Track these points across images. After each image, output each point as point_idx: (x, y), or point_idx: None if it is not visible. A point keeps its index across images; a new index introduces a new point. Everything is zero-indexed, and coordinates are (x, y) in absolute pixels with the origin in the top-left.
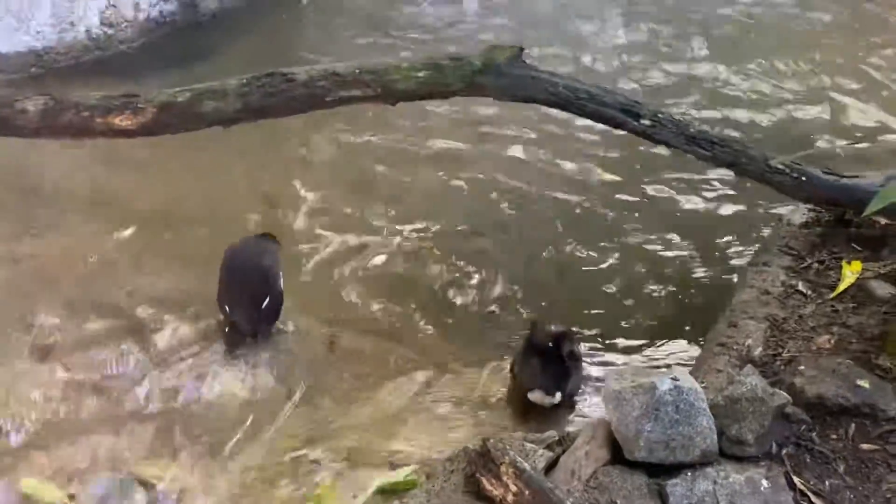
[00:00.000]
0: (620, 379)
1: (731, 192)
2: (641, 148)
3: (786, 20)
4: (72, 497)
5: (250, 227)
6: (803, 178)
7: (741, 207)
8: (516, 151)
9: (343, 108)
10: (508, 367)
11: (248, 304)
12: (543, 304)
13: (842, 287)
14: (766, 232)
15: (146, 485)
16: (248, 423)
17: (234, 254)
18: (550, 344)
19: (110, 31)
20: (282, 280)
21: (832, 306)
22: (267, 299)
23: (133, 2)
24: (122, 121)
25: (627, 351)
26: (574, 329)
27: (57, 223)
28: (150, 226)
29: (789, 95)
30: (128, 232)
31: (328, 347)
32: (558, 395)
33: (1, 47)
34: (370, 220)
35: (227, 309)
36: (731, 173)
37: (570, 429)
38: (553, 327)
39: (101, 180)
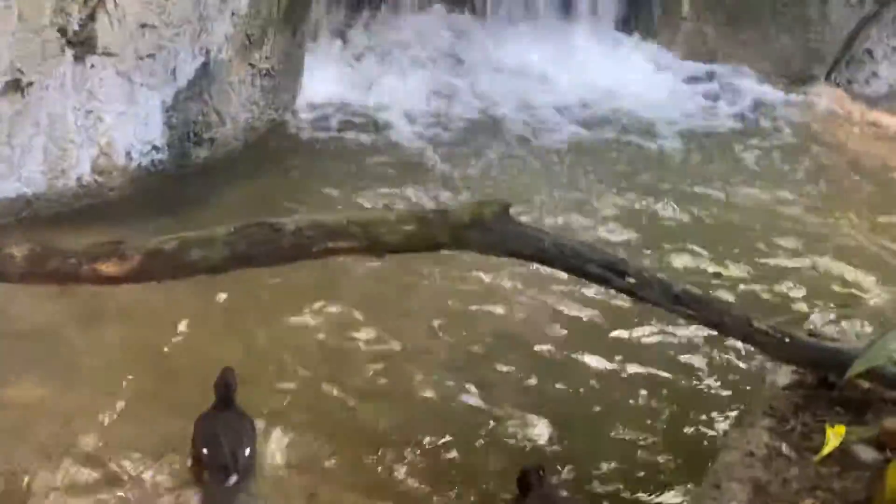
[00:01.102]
0: None
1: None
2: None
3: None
4: None
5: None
6: (787, 340)
7: (725, 365)
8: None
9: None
10: None
11: (228, 448)
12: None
13: (826, 451)
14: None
15: None
16: None
17: (207, 417)
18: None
19: (101, 179)
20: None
21: (816, 470)
22: (248, 450)
23: (125, 150)
24: (108, 268)
25: None
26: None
27: (36, 370)
28: (134, 372)
29: (773, 259)
30: (108, 379)
31: (308, 501)
32: None
33: None
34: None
35: (205, 451)
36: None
37: None
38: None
39: (84, 326)
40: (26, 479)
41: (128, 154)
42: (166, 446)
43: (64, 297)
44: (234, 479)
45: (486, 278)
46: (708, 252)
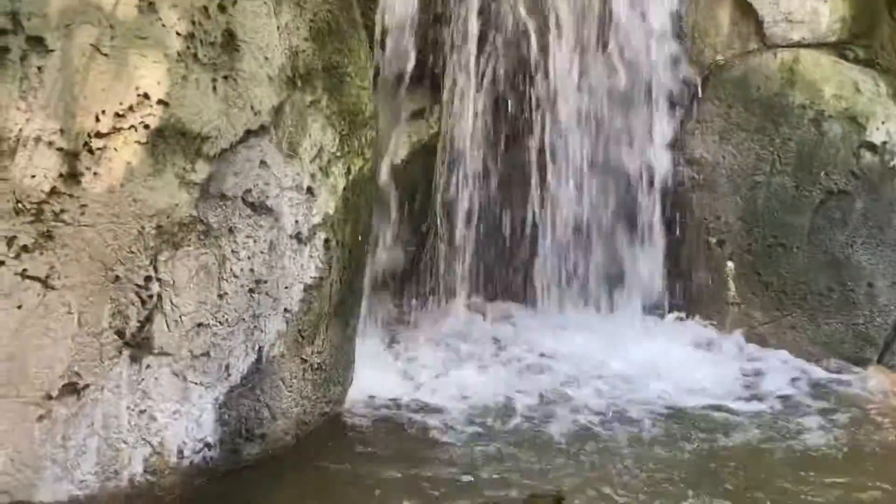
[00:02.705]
0: None
1: None
2: None
3: None
4: None
5: None
6: None
7: None
8: None
9: None
10: None
11: None
12: None
13: None
14: None
15: None
16: None
17: None
18: None
19: (153, 479)
20: None
21: None
22: None
23: (177, 449)
24: None
25: None
26: None
27: None
28: None
29: None
30: None
31: None
32: None
33: (43, 497)
34: None
35: None
36: None
37: None
38: None
39: None
40: None
41: (180, 452)
42: None
43: None
44: None
45: None
46: None
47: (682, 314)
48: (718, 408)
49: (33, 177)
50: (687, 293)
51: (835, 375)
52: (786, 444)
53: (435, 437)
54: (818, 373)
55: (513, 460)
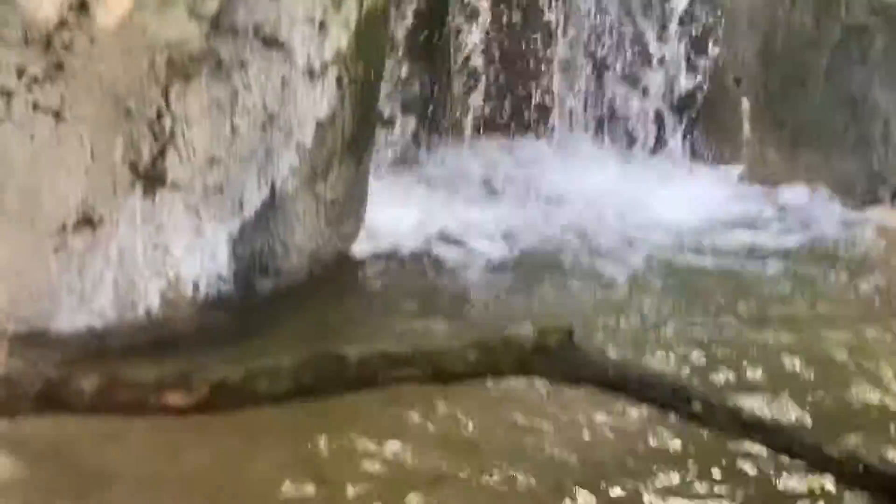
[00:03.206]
0: None
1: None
2: None
3: None
4: None
5: None
6: (860, 468)
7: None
8: None
9: None
10: None
11: None
12: None
13: None
14: None
15: None
16: None
17: None
18: None
19: (169, 311)
20: None
21: None
22: None
23: (192, 282)
24: (176, 399)
25: None
26: None
27: None
28: None
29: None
30: None
31: None
32: None
33: (61, 326)
34: None
35: None
36: None
37: None
38: None
39: (158, 462)
40: None
41: (195, 286)
42: None
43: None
44: None
45: None
46: (781, 374)
47: (697, 152)
48: (730, 241)
49: (42, 7)
50: (702, 131)
51: (848, 214)
52: (797, 277)
53: (448, 271)
54: (830, 211)
55: (525, 293)
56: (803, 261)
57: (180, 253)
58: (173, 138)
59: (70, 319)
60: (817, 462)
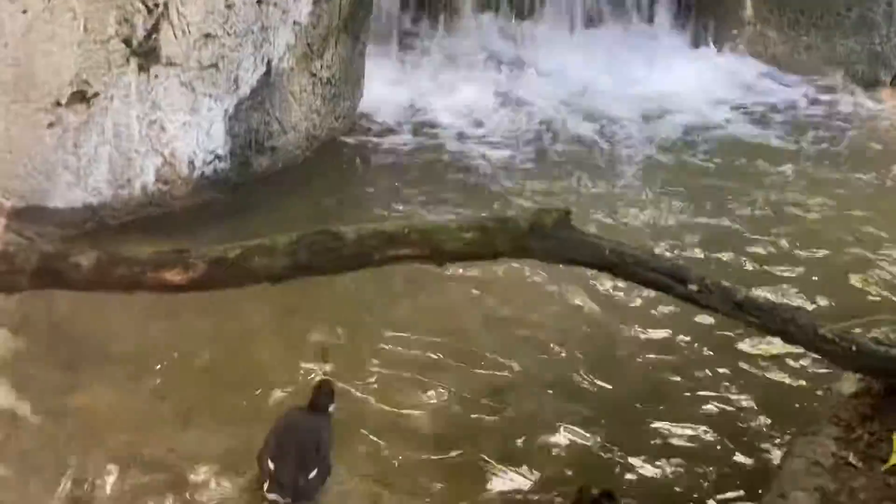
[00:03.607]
0: None
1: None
2: None
3: None
4: None
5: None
6: (854, 348)
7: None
8: None
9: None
10: None
11: (295, 467)
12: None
13: (893, 460)
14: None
15: None
16: None
17: (286, 421)
18: None
19: (165, 188)
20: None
21: (884, 480)
22: (315, 471)
23: (188, 159)
24: (173, 276)
25: None
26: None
27: (106, 377)
28: (200, 383)
29: (843, 259)
30: (176, 387)
31: None
32: None
33: (57, 203)
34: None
35: (272, 466)
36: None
37: None
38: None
39: (152, 335)
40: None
41: (191, 163)
42: (235, 457)
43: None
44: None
45: None
46: (776, 251)
47: (699, 34)
48: (728, 120)
49: None
50: (704, 13)
51: (847, 96)
52: (794, 149)
53: (445, 149)
54: (831, 92)
55: (524, 172)
56: (797, 142)
57: (176, 130)
58: (167, 13)
59: (66, 196)
60: (811, 342)
